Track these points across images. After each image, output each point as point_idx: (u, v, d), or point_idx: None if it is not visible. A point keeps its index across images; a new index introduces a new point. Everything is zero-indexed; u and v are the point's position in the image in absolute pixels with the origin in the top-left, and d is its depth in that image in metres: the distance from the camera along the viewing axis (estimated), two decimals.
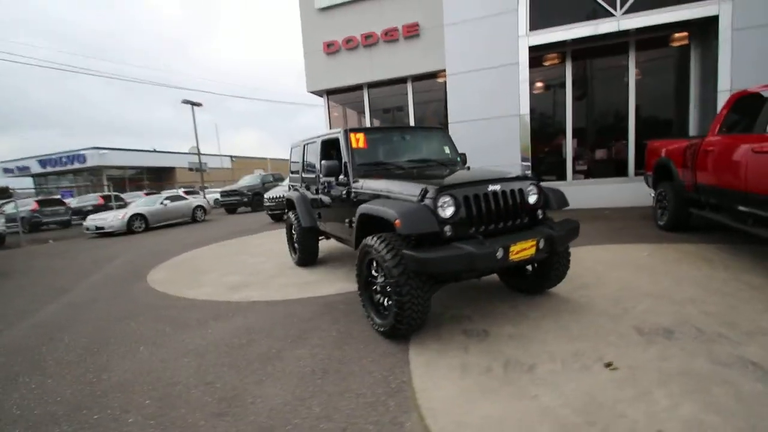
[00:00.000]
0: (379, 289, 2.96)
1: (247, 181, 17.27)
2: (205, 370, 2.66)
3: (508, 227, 2.89)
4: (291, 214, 5.23)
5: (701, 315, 2.84)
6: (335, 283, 4.42)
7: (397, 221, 2.59)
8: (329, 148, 4.20)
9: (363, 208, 3.11)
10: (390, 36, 9.03)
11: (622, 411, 1.88)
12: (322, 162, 3.77)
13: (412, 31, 8.86)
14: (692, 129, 7.74)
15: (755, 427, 1.70)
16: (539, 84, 8.69)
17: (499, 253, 2.57)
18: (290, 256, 5.64)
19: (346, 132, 3.85)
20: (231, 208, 16.54)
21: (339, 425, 1.96)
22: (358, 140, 3.81)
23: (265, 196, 11.06)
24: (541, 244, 2.77)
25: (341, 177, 3.78)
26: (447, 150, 4.24)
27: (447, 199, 2.69)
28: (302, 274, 4.94)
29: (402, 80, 9.56)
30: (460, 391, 2.17)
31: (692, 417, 1.79)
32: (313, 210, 4.89)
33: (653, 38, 7.73)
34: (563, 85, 8.38)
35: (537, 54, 7.90)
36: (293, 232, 5.42)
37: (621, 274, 3.86)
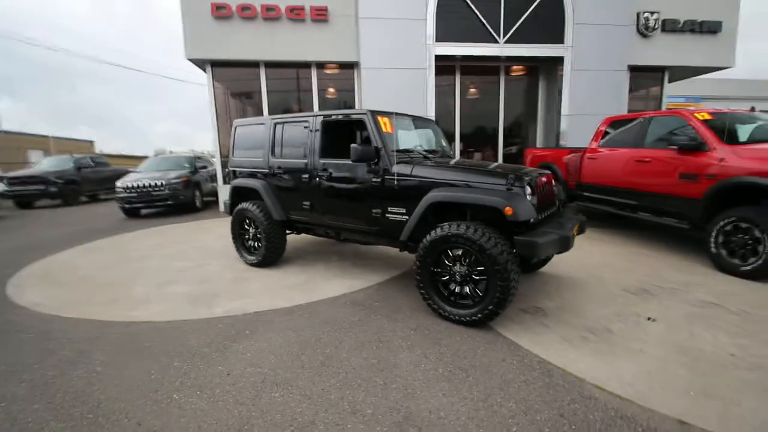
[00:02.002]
0: (459, 278, 2.92)
1: (50, 164, 12.69)
2: (326, 399, 2.08)
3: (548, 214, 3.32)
4: (251, 206, 4.34)
5: (645, 276, 3.95)
6: (331, 281, 3.98)
7: (509, 208, 2.65)
8: (337, 129, 3.72)
9: (440, 196, 2.98)
10: (296, 14, 8.30)
11: (698, 345, 2.54)
12: (354, 146, 3.34)
13: (321, 15, 8.40)
14: (538, 141, 10.13)
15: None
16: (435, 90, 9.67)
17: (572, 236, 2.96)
18: (241, 257, 4.67)
19: (374, 114, 3.52)
20: (25, 201, 11.87)
21: (534, 417, 1.94)
22: (385, 124, 3.55)
23: (119, 184, 8.47)
24: (580, 228, 3.31)
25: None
26: (443, 142, 4.39)
27: (529, 188, 2.90)
28: (276, 276, 4.20)
29: (306, 65, 8.94)
30: (592, 359, 2.45)
31: (729, 335, 2.59)
32: (287, 200, 4.21)
33: (517, 66, 9.73)
34: (454, 94, 9.61)
35: (440, 63, 8.76)
36: (248, 227, 4.53)
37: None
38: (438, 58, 8.60)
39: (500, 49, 8.72)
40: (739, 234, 3.91)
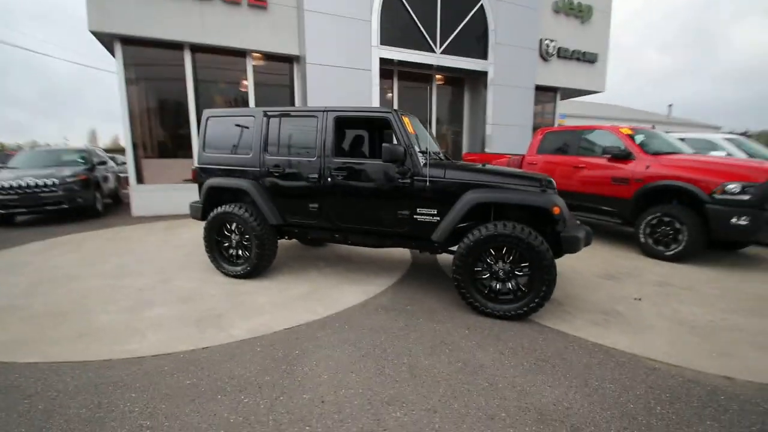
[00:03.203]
0: (501, 274, 3.06)
1: None
2: (453, 410, 1.97)
3: None
4: (238, 210, 3.80)
5: (603, 264, 4.69)
6: (339, 288, 3.75)
7: (557, 208, 2.90)
8: (350, 127, 3.50)
9: (484, 197, 3.07)
10: None
11: (684, 317, 3.16)
12: (387, 146, 3.20)
13: (260, 0, 7.70)
14: (464, 146, 11.02)
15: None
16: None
17: None
18: (220, 268, 4.04)
19: (398, 113, 3.43)
20: None
21: (634, 393, 2.20)
22: (408, 124, 3.49)
23: None
24: None
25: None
26: (434, 143, 4.49)
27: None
28: (274, 287, 3.76)
29: (240, 53, 8.08)
30: (626, 337, 2.83)
31: (696, 306, 3.29)
32: (287, 202, 3.81)
33: (447, 76, 10.43)
34: (392, 98, 9.83)
35: (381, 67, 8.86)
36: (230, 233, 3.96)
37: None
38: (380, 61, 8.71)
39: (437, 58, 9.25)
40: (663, 226, 4.92)
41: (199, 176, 4.20)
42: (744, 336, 2.84)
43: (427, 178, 3.29)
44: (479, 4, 9.46)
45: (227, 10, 7.55)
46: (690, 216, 4.66)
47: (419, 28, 8.93)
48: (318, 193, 3.66)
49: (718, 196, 4.46)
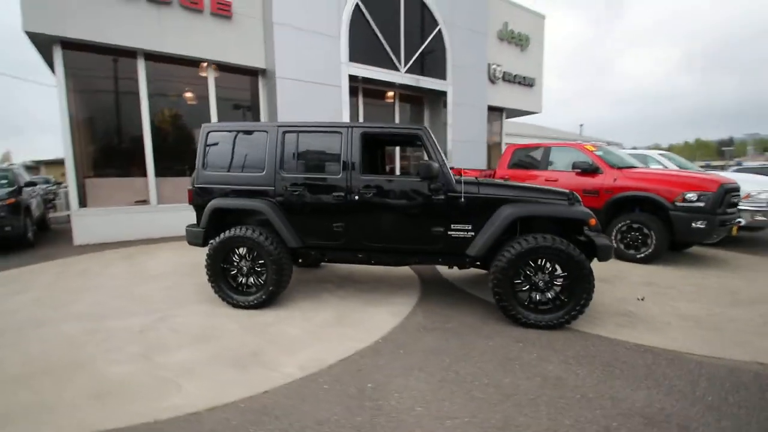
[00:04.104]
0: (541, 285, 3.17)
1: None
2: (580, 429, 1.95)
3: None
4: (251, 233, 3.45)
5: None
6: (366, 311, 3.57)
7: (593, 220, 3.09)
8: (379, 143, 3.40)
9: (524, 211, 3.17)
10: (192, 2, 6.89)
11: (686, 312, 3.54)
12: (425, 162, 3.17)
13: (224, 10, 7.22)
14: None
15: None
16: None
17: None
18: (226, 299, 3.61)
19: (428, 130, 3.42)
20: None
21: (702, 387, 2.40)
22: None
23: None
24: None
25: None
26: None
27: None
28: (297, 316, 3.46)
29: (201, 62, 7.48)
30: (656, 336, 3.08)
31: (687, 302, 3.73)
32: (307, 223, 3.57)
33: (408, 94, 10.72)
34: (357, 115, 9.83)
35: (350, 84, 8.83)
36: (241, 259, 3.59)
37: None
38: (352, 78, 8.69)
39: (402, 77, 9.49)
40: (632, 232, 5.51)
41: (196, 197, 3.76)
42: (741, 326, 3.25)
43: (462, 194, 3.32)
44: (437, 28, 9.96)
45: (188, 18, 7.00)
46: (656, 222, 5.29)
47: (385, 47, 9.11)
48: (344, 212, 3.48)
49: (679, 204, 5.13)
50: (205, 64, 7.55)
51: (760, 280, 4.60)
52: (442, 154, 3.41)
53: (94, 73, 6.77)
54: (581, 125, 37.05)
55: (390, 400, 2.21)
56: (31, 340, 2.98)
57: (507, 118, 14.26)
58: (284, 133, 3.59)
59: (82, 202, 6.64)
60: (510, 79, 12.58)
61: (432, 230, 3.40)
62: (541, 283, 3.18)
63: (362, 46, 8.75)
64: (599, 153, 6.24)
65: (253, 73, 8.14)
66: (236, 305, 3.61)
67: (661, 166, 7.53)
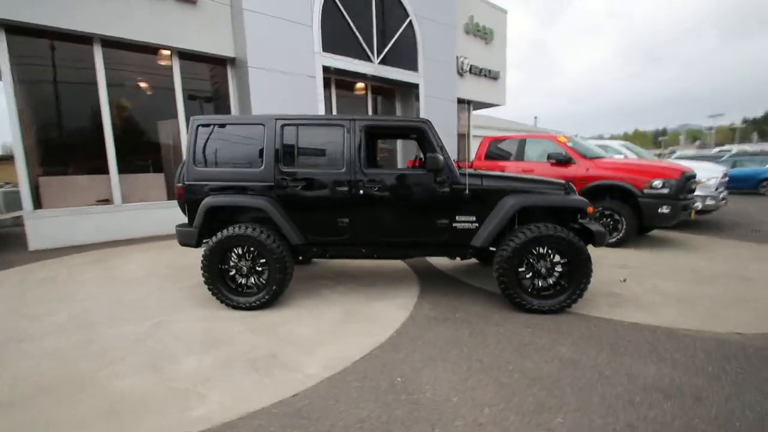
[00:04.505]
0: (543, 272, 3.31)
1: None
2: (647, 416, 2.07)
3: None
4: (252, 231, 3.31)
5: None
6: (372, 306, 3.56)
7: (591, 208, 3.27)
8: (378, 136, 3.37)
9: (528, 201, 3.28)
10: None
11: (666, 291, 3.86)
12: (432, 155, 3.18)
13: None
14: (399, 154, 11.36)
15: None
16: None
17: None
18: (225, 301, 3.45)
19: (431, 123, 3.42)
20: None
21: (702, 358, 2.64)
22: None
23: None
24: None
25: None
26: None
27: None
28: (305, 315, 3.37)
29: (165, 50, 6.95)
30: (646, 314, 3.34)
31: (666, 282, 4.07)
32: (310, 219, 3.48)
33: (380, 86, 10.65)
34: (330, 106, 9.62)
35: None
36: (239, 260, 3.44)
37: None
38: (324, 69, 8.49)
39: (375, 68, 9.40)
40: (604, 218, 5.88)
41: (186, 195, 3.54)
42: (710, 301, 3.58)
43: (467, 186, 3.38)
44: (408, 20, 9.94)
45: (150, 2, 6.48)
46: (626, 208, 5.68)
47: (358, 37, 8.97)
48: (348, 206, 3.43)
49: (647, 191, 5.54)
50: (169, 52, 7.05)
51: (717, 259, 5.09)
52: (444, 146, 3.44)
53: (46, 61, 6.10)
54: (535, 117, 38.72)
55: (425, 393, 2.23)
56: (14, 357, 2.69)
57: (474, 110, 14.60)
58: (283, 126, 3.45)
59: (37, 204, 6.01)
60: (476, 72, 12.87)
61: (437, 222, 3.43)
62: (543, 270, 3.32)
63: (335, 36, 8.56)
64: (570, 144, 6.58)
65: (221, 62, 7.72)
66: (236, 307, 3.46)
67: (622, 156, 8.08)
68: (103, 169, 6.54)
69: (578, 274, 3.25)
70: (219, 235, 3.36)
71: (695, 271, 4.57)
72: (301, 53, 7.97)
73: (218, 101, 8.07)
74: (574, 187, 3.63)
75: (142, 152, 7.26)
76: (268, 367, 2.52)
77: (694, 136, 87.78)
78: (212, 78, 7.88)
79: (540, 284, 3.35)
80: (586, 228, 3.44)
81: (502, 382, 2.33)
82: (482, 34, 12.91)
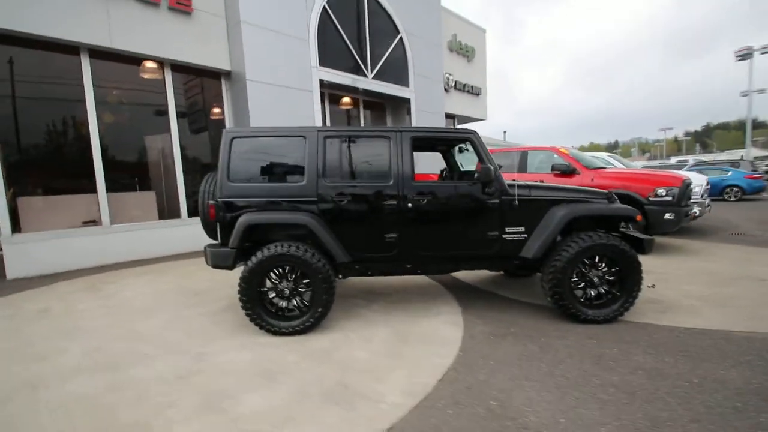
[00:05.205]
0: (597, 282, 3.29)
1: None
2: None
3: None
4: (296, 250, 3.08)
5: None
6: (418, 322, 3.40)
7: (639, 216, 3.30)
8: (420, 149, 3.28)
9: (579, 211, 3.26)
10: None
11: (694, 294, 3.96)
12: (485, 166, 3.11)
13: (183, 6, 6.44)
14: None
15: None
16: None
17: None
18: (264, 327, 3.17)
19: (478, 134, 3.37)
20: None
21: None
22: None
23: None
24: None
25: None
26: None
27: None
28: (352, 336, 3.15)
29: (157, 61, 6.56)
30: (693, 318, 3.39)
31: (689, 284, 4.19)
32: (355, 235, 3.29)
33: (372, 101, 10.64)
34: (324, 120, 9.48)
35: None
36: (278, 281, 3.19)
37: None
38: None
39: (369, 83, 9.39)
40: None
41: (220, 213, 3.26)
42: (745, 303, 3.70)
43: (516, 197, 3.33)
44: (399, 36, 10.07)
45: (142, 12, 6.15)
46: None
47: (353, 52, 8.95)
48: (397, 221, 3.28)
49: (652, 199, 5.76)
50: (161, 65, 6.68)
51: (722, 262, 5.33)
52: (491, 157, 3.39)
53: (27, 71, 5.58)
54: (504, 132, 40.26)
55: (528, 416, 2.09)
56: (33, 409, 2.29)
57: (461, 123, 14.92)
58: (325, 138, 3.28)
59: (16, 227, 5.39)
60: (460, 87, 13.19)
61: (488, 234, 3.35)
62: (595, 279, 3.30)
63: (331, 51, 8.50)
64: (572, 155, 6.78)
65: (215, 75, 7.42)
66: (277, 333, 3.18)
67: (612, 166, 8.43)
68: (91, 188, 6.01)
69: (630, 281, 3.25)
70: (259, 255, 3.10)
71: (710, 274, 4.73)
72: (299, 67, 7.82)
73: (210, 114, 7.71)
74: (616, 197, 3.68)
75: (132, 169, 6.76)
76: (346, 399, 2.29)
77: (643, 148, 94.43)
78: (206, 91, 7.54)
79: (592, 293, 3.32)
80: (629, 236, 3.47)
81: (600, 398, 2.23)
82: (464, 51, 13.30)
